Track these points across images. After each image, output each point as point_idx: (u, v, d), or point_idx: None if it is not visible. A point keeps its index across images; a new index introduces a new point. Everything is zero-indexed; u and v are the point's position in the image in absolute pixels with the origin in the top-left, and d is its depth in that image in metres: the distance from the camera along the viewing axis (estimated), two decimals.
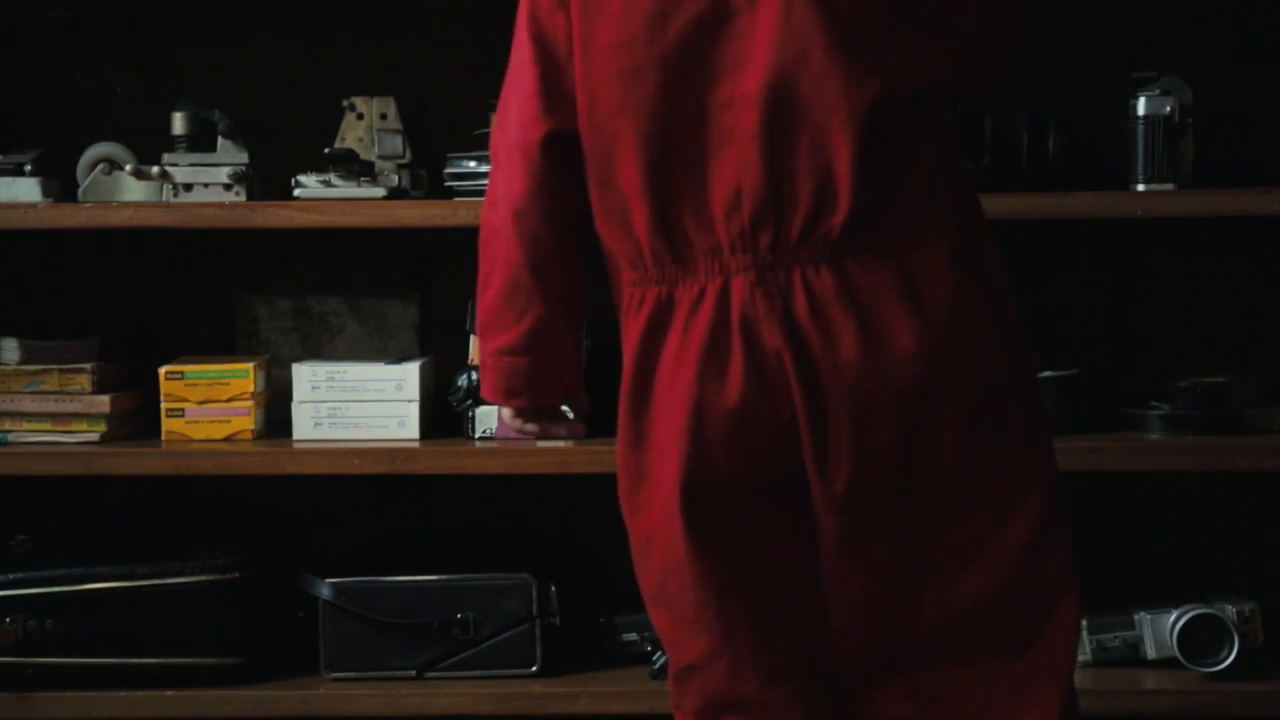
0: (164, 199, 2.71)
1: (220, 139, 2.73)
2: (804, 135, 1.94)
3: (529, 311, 2.10)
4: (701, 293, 1.99)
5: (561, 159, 2.06)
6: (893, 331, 1.95)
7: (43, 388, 2.72)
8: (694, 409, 1.99)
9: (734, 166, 1.96)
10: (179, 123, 2.76)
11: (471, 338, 2.75)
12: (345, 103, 2.84)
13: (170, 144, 2.75)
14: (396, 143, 2.83)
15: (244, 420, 2.73)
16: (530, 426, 2.22)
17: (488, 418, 2.72)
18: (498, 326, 2.12)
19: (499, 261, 2.10)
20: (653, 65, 1.97)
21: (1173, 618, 2.64)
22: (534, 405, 2.18)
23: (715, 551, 2.01)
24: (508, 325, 2.11)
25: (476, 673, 2.65)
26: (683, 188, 1.98)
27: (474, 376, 2.73)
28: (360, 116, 2.84)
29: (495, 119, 2.17)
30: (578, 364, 2.18)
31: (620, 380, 2.17)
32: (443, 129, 2.92)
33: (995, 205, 2.58)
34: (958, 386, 1.97)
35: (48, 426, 2.72)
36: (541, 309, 2.10)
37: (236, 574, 2.64)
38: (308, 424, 2.73)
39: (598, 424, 2.74)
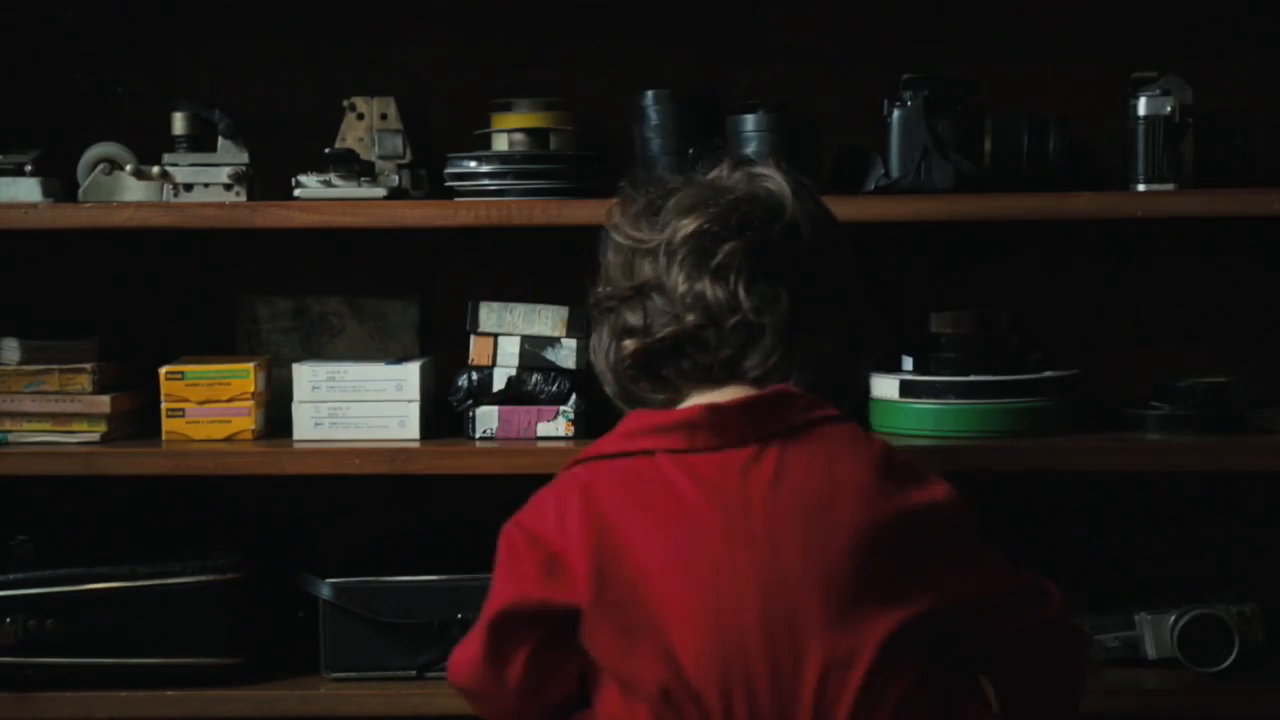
0: (164, 199, 2.71)
1: (220, 139, 2.73)
2: None
3: None
4: None
5: None
6: None
7: (43, 388, 2.72)
8: None
9: None
10: (179, 123, 2.76)
11: (472, 338, 2.75)
12: (345, 103, 2.84)
13: (170, 144, 2.75)
14: (396, 143, 2.83)
15: (244, 420, 2.73)
16: None
17: (488, 418, 2.72)
18: None
19: None
20: None
21: (1173, 618, 2.64)
22: None
23: None
24: None
25: None
26: None
27: (474, 376, 2.73)
28: (360, 116, 2.84)
29: None
30: None
31: None
32: (443, 129, 2.92)
33: (995, 205, 2.59)
34: None
35: (48, 426, 2.72)
36: None
37: (236, 574, 2.64)
38: (308, 424, 2.73)
39: (597, 424, 2.75)
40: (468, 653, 2.13)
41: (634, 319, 2.13)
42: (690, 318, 2.09)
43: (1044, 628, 2.14)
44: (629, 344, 2.13)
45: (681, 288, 2.09)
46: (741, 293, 2.08)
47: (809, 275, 2.11)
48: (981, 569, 2.10)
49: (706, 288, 2.08)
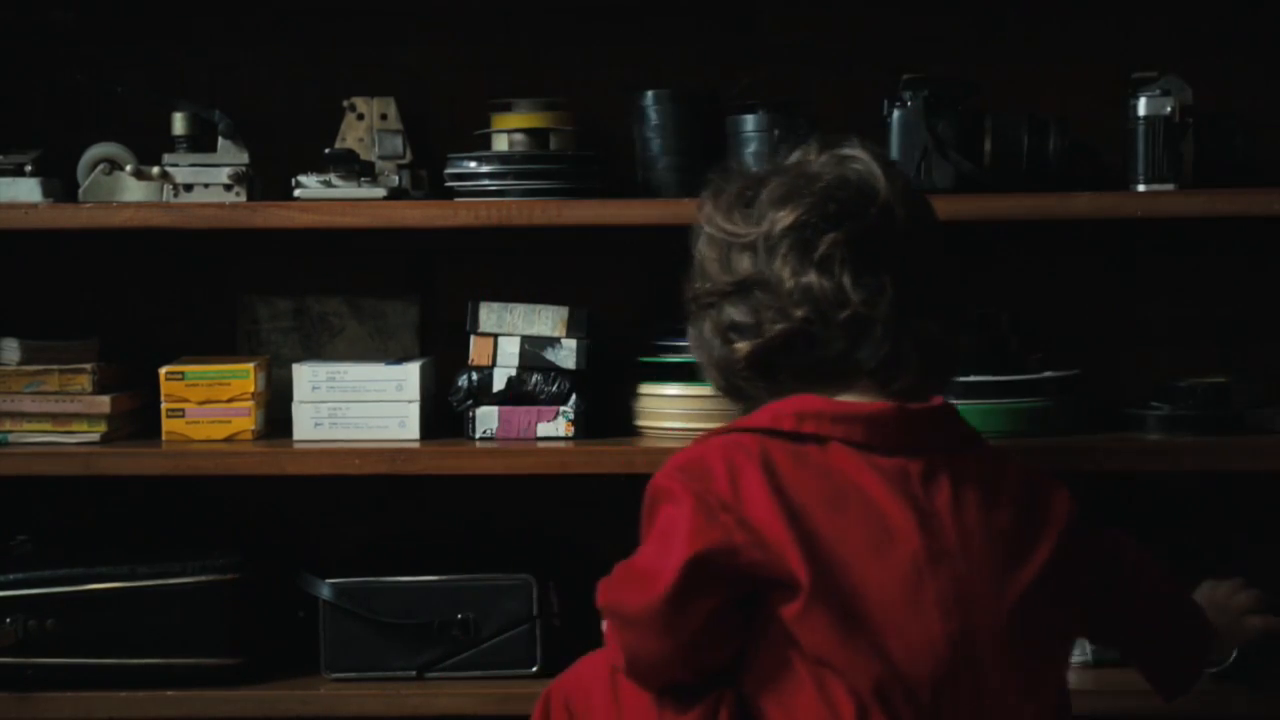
0: (164, 199, 2.71)
1: (220, 139, 2.73)
2: None
3: None
4: None
5: None
6: None
7: (43, 388, 2.72)
8: None
9: None
10: (179, 123, 2.76)
11: (472, 338, 2.75)
12: (345, 103, 2.84)
13: (170, 144, 2.75)
14: (396, 143, 2.83)
15: (244, 420, 2.73)
16: None
17: (488, 418, 2.72)
18: None
19: None
20: None
21: None
22: None
23: None
24: None
25: (477, 673, 2.65)
26: None
27: (474, 377, 2.73)
28: (360, 116, 2.84)
29: None
30: None
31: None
32: (443, 129, 2.92)
33: (995, 205, 2.59)
34: None
35: (48, 427, 2.72)
36: None
37: (236, 574, 2.64)
38: (308, 424, 2.73)
39: (597, 424, 2.75)
40: (652, 588, 1.99)
41: (740, 315, 2.09)
42: (799, 313, 2.05)
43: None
44: (742, 345, 2.09)
45: (788, 283, 2.06)
46: (848, 284, 2.05)
47: (908, 258, 2.08)
48: (1112, 558, 2.25)
49: (814, 281, 2.05)
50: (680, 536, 1.99)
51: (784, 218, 2.07)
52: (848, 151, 2.13)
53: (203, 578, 2.63)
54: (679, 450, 2.09)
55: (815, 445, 2.03)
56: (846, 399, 2.07)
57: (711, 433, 2.11)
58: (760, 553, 1.97)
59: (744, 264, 2.09)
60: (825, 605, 1.97)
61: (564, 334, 2.73)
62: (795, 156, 2.16)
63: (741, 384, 2.13)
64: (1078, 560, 2.10)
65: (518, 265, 2.92)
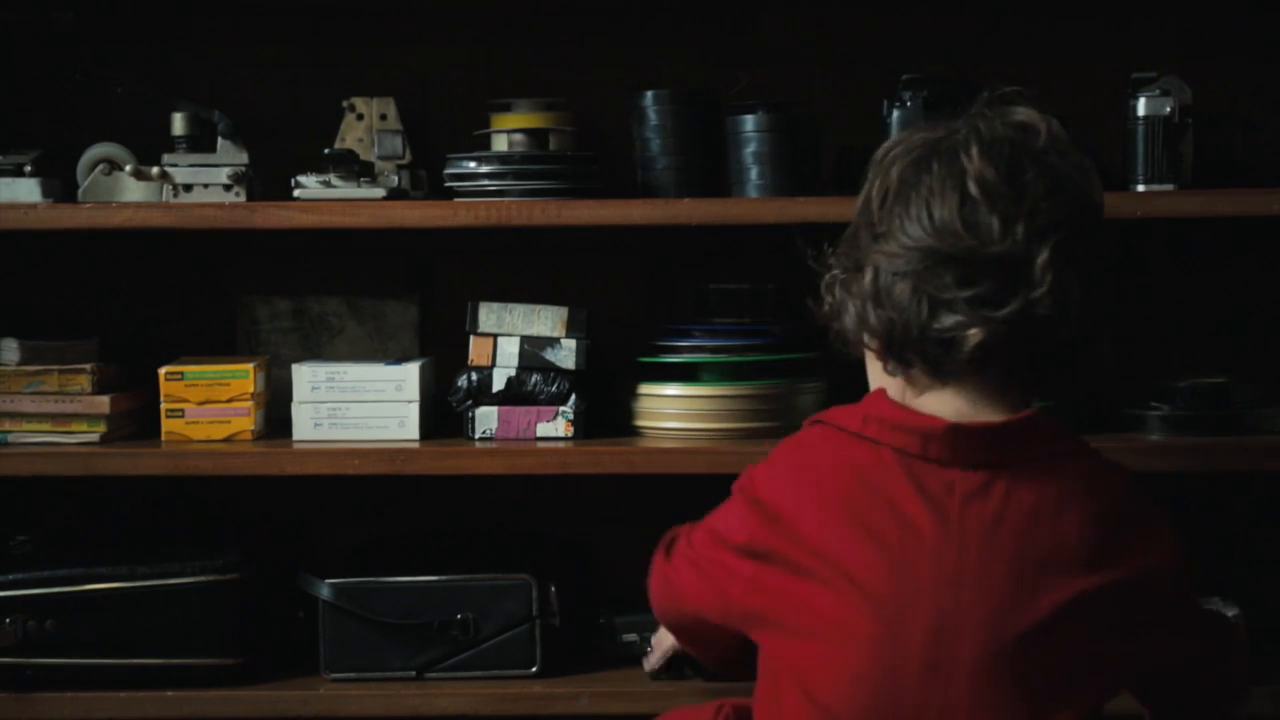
0: (164, 199, 2.71)
1: (220, 139, 2.73)
2: None
3: None
4: None
5: None
6: None
7: (43, 388, 2.72)
8: None
9: None
10: (179, 123, 2.76)
11: (471, 338, 2.75)
12: (345, 103, 2.84)
13: (170, 144, 2.75)
14: (396, 143, 2.83)
15: (244, 421, 2.73)
16: None
17: (487, 418, 2.72)
18: None
19: None
20: None
21: None
22: None
23: None
24: None
25: (476, 673, 2.65)
26: None
27: (474, 377, 2.73)
28: (360, 117, 2.84)
29: None
30: None
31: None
32: (443, 129, 2.92)
33: None
34: None
35: (48, 427, 2.72)
36: None
37: (236, 574, 2.64)
38: (308, 424, 2.73)
39: (597, 424, 2.75)
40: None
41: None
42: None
43: (1209, 664, 2.12)
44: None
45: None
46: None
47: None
48: (1176, 635, 2.06)
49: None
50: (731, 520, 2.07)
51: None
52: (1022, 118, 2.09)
53: (203, 578, 2.63)
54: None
55: (872, 447, 2.00)
56: (927, 399, 2.03)
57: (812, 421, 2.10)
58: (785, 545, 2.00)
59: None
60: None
61: (564, 334, 2.73)
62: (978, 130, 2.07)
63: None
64: (1134, 617, 2.00)
65: (517, 265, 2.92)
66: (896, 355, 2.01)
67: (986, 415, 2.00)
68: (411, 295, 2.96)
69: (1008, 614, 1.94)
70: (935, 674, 1.94)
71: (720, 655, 2.22)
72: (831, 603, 1.96)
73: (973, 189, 1.97)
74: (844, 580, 1.96)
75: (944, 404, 2.01)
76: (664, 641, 2.52)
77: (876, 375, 2.09)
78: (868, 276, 2.01)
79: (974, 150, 1.99)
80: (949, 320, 1.96)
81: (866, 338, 2.04)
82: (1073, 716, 1.96)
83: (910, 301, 1.97)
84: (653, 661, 2.59)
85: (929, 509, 1.96)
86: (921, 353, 1.99)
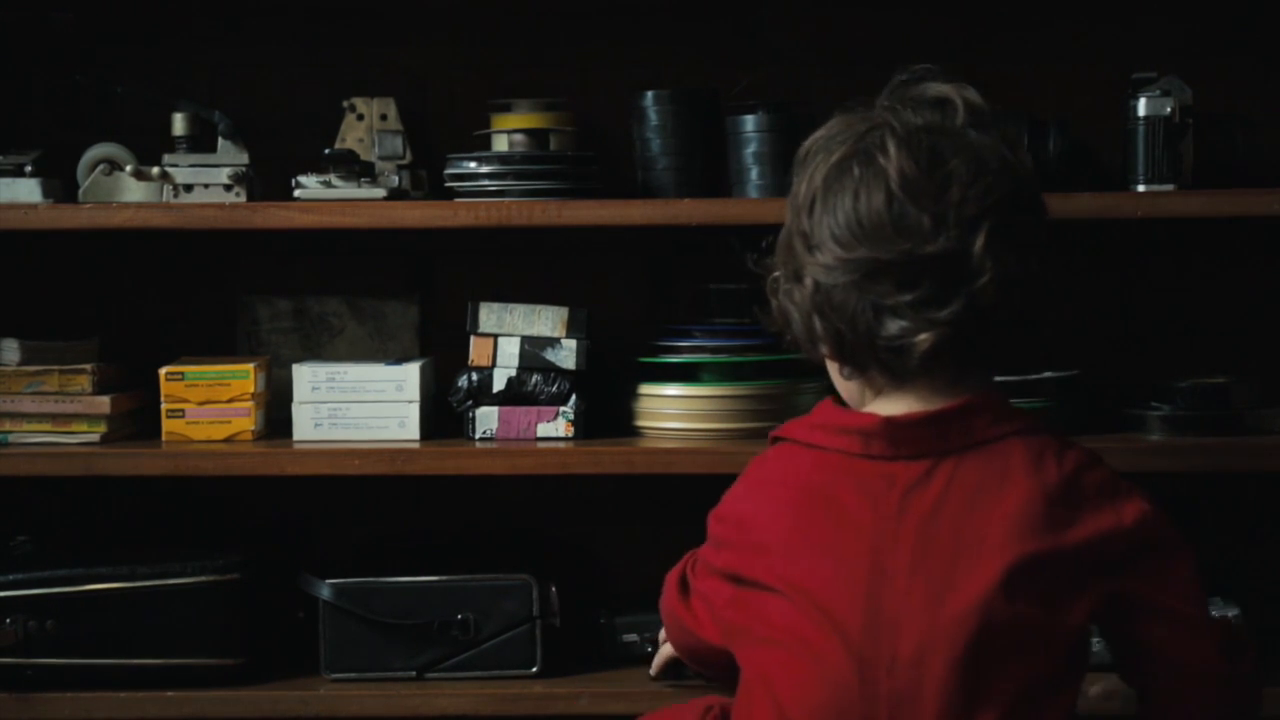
0: (164, 199, 2.71)
1: (220, 139, 2.73)
2: None
3: None
4: None
5: None
6: None
7: (43, 388, 2.72)
8: None
9: None
10: (179, 123, 2.76)
11: (472, 338, 2.75)
12: (345, 103, 2.84)
13: (170, 144, 2.75)
14: (396, 143, 2.83)
15: (244, 421, 2.73)
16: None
17: (487, 418, 2.72)
18: None
19: None
20: None
21: None
22: None
23: None
24: None
25: (477, 673, 2.65)
26: None
27: (474, 377, 2.73)
28: (360, 117, 2.84)
29: None
30: None
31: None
32: (443, 129, 2.92)
33: None
34: None
35: (48, 427, 2.72)
36: None
37: (236, 574, 2.64)
38: (308, 424, 2.73)
39: (597, 424, 2.75)
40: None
41: None
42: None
43: (1215, 674, 2.05)
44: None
45: None
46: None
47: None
48: (1160, 579, 2.01)
49: None
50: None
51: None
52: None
53: (203, 578, 2.63)
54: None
55: (819, 453, 2.02)
56: (886, 399, 2.03)
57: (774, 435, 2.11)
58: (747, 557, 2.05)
59: None
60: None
61: (564, 334, 2.73)
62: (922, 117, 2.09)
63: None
64: (1099, 569, 1.98)
65: (518, 265, 2.92)
66: (850, 361, 2.03)
67: (940, 405, 2.00)
68: (412, 295, 2.96)
69: (943, 596, 1.93)
70: (881, 670, 1.95)
71: (726, 676, 2.23)
72: (787, 612, 1.98)
73: (896, 189, 1.96)
74: (795, 589, 1.98)
75: (901, 402, 2.02)
76: (668, 646, 2.53)
77: (836, 378, 2.11)
78: (809, 287, 2.00)
79: (891, 148, 1.98)
80: (894, 327, 1.96)
81: (819, 345, 2.04)
82: (1021, 684, 1.93)
83: (854, 309, 1.97)
84: (655, 665, 2.59)
85: (869, 505, 1.97)
86: (875, 359, 1.99)
